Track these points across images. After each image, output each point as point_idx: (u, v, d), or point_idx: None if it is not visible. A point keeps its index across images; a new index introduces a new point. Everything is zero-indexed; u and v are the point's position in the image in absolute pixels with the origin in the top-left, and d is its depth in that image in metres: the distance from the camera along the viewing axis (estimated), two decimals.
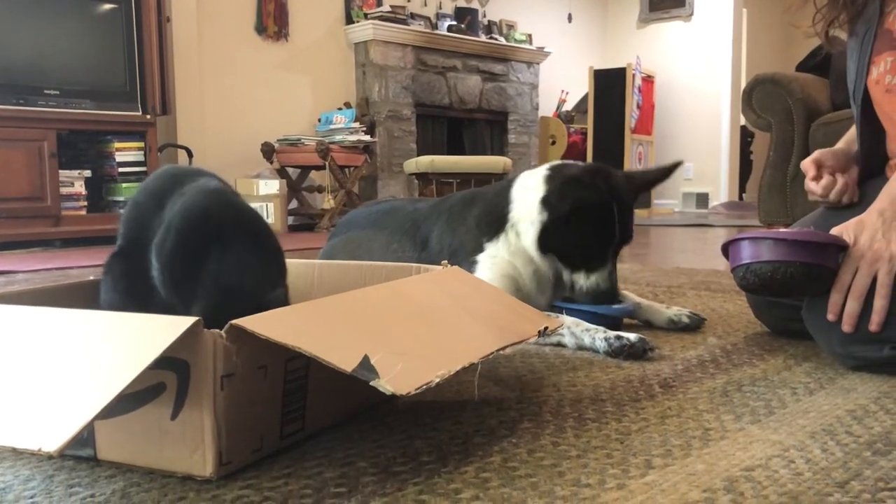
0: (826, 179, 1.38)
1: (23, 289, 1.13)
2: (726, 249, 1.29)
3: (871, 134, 1.39)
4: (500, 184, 1.64)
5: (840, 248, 1.19)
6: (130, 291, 1.08)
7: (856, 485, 0.75)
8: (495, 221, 1.56)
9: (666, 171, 1.59)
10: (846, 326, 1.16)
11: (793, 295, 1.27)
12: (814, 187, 1.40)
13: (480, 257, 1.54)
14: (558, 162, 1.60)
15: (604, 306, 1.50)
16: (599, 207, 1.46)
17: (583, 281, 1.50)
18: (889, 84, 1.31)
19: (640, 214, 6.24)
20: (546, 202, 1.47)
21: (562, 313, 1.45)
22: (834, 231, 1.21)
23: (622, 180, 1.52)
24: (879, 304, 1.13)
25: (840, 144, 1.49)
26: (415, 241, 1.66)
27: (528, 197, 1.52)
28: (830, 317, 1.18)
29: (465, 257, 1.54)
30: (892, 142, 1.36)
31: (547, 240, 1.49)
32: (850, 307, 1.16)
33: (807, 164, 1.42)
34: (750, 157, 7.97)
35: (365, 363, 0.74)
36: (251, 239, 1.02)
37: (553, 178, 1.51)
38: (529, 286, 1.54)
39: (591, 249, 1.49)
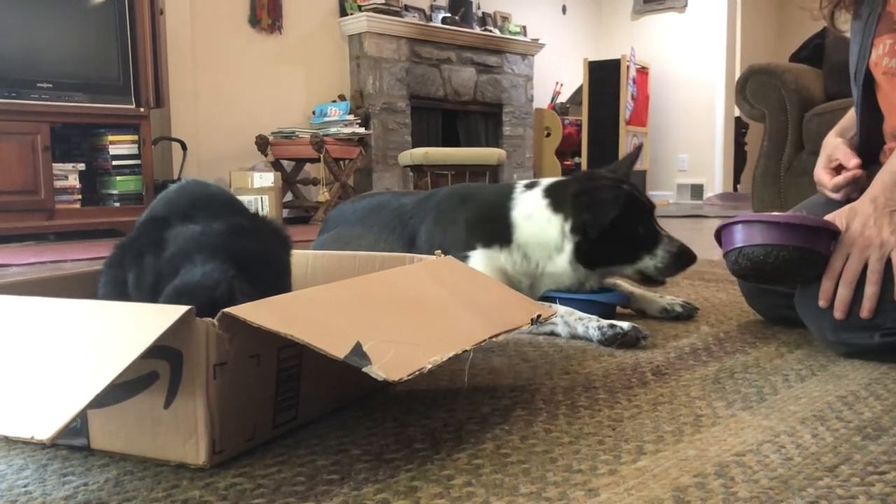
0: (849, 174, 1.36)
1: (15, 279, 1.12)
2: (719, 235, 1.29)
3: (870, 117, 1.39)
4: (493, 198, 1.60)
5: (832, 234, 1.19)
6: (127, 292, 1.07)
7: (845, 469, 0.75)
8: (496, 234, 1.54)
9: (630, 161, 1.66)
10: (838, 313, 1.16)
11: (785, 281, 1.27)
12: (839, 181, 1.36)
13: (472, 253, 1.54)
14: (550, 181, 1.58)
15: (597, 294, 1.50)
16: (624, 199, 1.46)
17: (651, 262, 1.50)
18: (886, 66, 1.31)
19: None
20: (576, 229, 1.46)
21: (555, 303, 1.46)
22: (827, 218, 1.21)
23: (616, 173, 1.59)
24: (870, 290, 1.14)
25: (836, 134, 1.48)
26: (402, 239, 1.66)
27: (540, 226, 1.51)
28: (822, 303, 1.18)
29: (455, 254, 1.54)
30: (888, 124, 1.37)
31: (592, 258, 1.48)
32: (842, 294, 1.16)
33: (824, 172, 1.41)
34: (744, 148, 7.98)
35: (357, 350, 0.74)
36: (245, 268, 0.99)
37: (560, 201, 1.50)
38: (523, 281, 1.54)
39: (641, 235, 1.50)
